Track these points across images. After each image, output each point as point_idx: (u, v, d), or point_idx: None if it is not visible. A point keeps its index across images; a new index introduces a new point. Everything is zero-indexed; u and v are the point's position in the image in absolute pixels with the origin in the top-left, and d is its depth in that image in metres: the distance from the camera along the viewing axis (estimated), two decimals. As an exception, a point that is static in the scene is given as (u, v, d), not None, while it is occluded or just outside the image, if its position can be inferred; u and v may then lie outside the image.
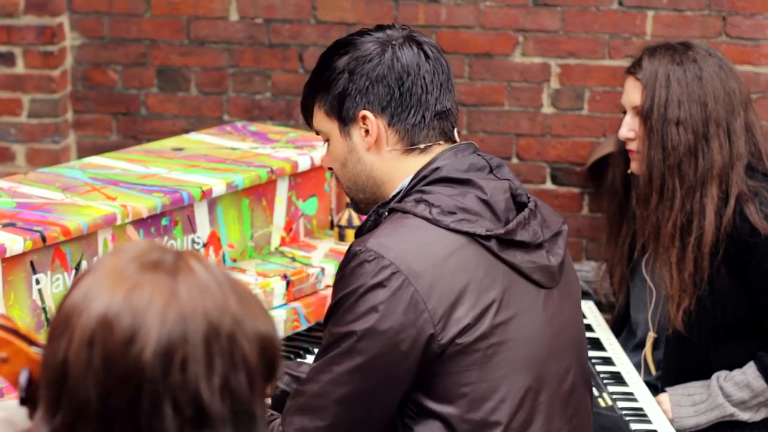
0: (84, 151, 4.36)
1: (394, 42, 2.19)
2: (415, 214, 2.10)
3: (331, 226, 3.20)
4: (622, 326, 3.27)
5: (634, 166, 3.02)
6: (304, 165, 3.06)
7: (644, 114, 2.94)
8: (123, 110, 4.39)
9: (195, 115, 4.35)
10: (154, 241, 1.42)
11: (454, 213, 2.10)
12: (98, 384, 1.31)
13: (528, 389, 2.12)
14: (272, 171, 2.98)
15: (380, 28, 2.24)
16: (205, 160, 3.01)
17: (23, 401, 1.47)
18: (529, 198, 2.19)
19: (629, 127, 2.99)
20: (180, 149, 3.10)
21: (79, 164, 2.98)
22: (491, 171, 2.18)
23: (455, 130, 2.23)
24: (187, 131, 4.21)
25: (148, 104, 4.38)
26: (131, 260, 1.36)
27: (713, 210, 2.88)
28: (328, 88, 2.21)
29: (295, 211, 3.10)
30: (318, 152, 3.10)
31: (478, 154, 2.20)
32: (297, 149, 3.13)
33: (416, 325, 2.04)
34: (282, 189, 3.05)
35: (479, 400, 2.08)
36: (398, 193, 2.19)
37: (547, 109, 4.14)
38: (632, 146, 3.00)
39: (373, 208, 2.20)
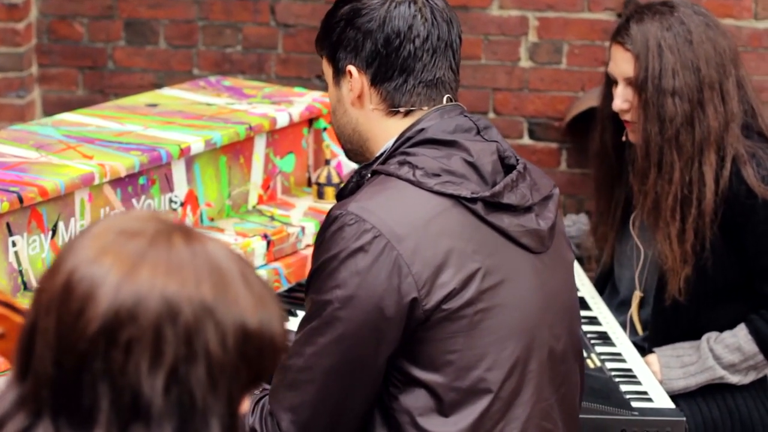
0: (49, 106, 4.29)
1: None
2: (399, 177, 2.05)
3: (309, 183, 3.15)
4: (605, 283, 3.25)
5: (632, 137, 2.96)
6: (282, 121, 3.01)
7: (638, 86, 2.87)
8: (89, 64, 4.31)
9: (164, 69, 4.28)
10: (155, 211, 1.35)
11: (439, 175, 2.04)
12: (52, 352, 1.27)
13: (517, 357, 2.07)
14: (251, 128, 2.93)
15: None
16: (181, 117, 2.95)
17: None
18: (518, 160, 2.14)
19: (623, 98, 2.92)
20: (154, 105, 3.04)
21: (51, 121, 2.91)
22: (478, 132, 2.12)
23: (447, 97, 2.15)
24: (155, 85, 4.14)
25: (115, 58, 4.30)
26: (116, 227, 1.30)
27: (712, 177, 2.83)
28: (329, 35, 2.18)
29: (273, 168, 3.05)
30: (295, 108, 3.06)
31: (465, 116, 2.14)
32: (274, 105, 3.08)
33: (400, 290, 1.98)
34: (260, 146, 2.99)
35: (466, 368, 2.03)
36: (382, 154, 2.13)
37: (524, 63, 4.09)
38: (627, 117, 2.93)
39: (356, 170, 2.16)
